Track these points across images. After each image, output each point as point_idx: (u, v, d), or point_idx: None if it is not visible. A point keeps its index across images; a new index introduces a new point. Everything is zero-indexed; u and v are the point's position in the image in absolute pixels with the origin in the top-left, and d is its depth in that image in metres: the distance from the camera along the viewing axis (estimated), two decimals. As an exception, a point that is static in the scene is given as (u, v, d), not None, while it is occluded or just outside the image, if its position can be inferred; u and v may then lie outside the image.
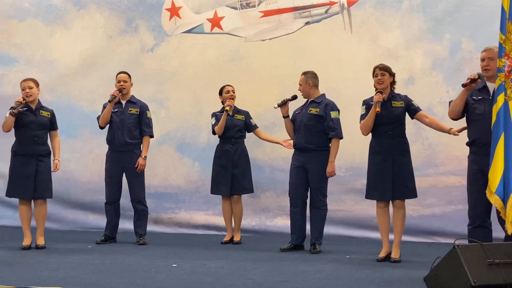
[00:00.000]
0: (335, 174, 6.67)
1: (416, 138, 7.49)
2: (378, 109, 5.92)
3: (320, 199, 6.62)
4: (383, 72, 6.08)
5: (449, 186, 7.60)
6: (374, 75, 6.12)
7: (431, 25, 7.85)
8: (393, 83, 6.15)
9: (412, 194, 6.13)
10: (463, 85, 5.48)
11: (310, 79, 6.72)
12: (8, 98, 8.27)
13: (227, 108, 7.16)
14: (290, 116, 6.83)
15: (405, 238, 6.42)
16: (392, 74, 6.13)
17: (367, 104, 6.14)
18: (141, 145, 7.29)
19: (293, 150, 6.82)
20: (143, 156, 7.19)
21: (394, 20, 8.00)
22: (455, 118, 5.66)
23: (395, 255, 6.06)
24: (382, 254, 6.12)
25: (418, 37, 7.90)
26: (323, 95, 6.78)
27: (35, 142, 6.81)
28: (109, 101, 7.11)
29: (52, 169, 6.93)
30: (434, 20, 7.84)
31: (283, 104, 6.74)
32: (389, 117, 6.02)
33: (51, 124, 6.96)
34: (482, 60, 5.47)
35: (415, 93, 6.95)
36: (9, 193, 6.93)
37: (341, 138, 6.67)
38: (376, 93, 6.01)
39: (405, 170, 6.04)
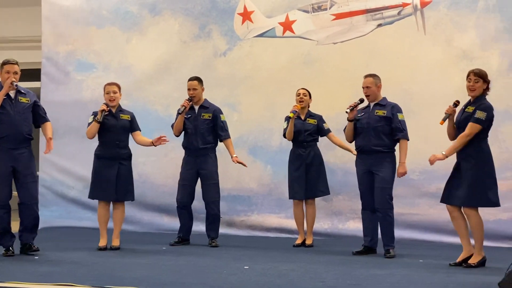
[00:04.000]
0: (406, 173, 6.57)
1: (493, 141, 7.26)
2: (441, 122, 5.83)
3: (388, 202, 6.53)
4: (477, 79, 5.80)
5: (528, 189, 7.37)
6: (468, 79, 5.87)
7: (508, 25, 7.68)
8: (486, 90, 5.87)
9: (480, 202, 5.84)
10: None
11: (379, 81, 6.65)
12: (87, 103, 8.55)
13: (291, 114, 7.15)
14: None
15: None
16: (487, 82, 5.86)
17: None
18: (216, 149, 7.39)
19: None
20: (233, 156, 7.30)
21: (469, 20, 7.85)
22: None
23: (472, 260, 5.85)
24: (460, 258, 5.95)
25: (494, 38, 7.73)
26: (385, 98, 6.71)
27: (117, 146, 6.95)
28: (179, 113, 7.19)
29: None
30: (511, 19, 7.66)
31: (354, 108, 6.69)
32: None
33: (132, 126, 7.06)
34: None
35: (491, 95, 6.71)
36: (91, 195, 7.08)
37: (408, 139, 6.58)
38: (454, 103, 5.89)
39: (469, 177, 5.79)
